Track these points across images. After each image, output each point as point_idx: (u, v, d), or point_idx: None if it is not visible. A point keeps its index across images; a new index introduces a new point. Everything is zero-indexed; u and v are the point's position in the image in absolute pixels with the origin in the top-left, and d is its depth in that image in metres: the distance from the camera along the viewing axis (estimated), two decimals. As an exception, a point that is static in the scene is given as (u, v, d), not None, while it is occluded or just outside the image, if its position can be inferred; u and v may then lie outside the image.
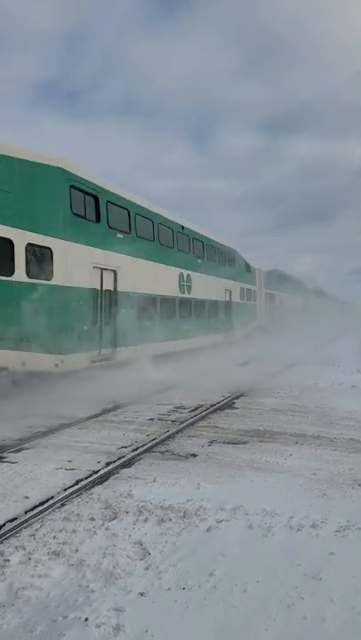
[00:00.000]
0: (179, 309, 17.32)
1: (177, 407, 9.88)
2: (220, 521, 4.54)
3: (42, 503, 4.95)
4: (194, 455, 6.67)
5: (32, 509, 4.81)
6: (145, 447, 6.91)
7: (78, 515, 4.64)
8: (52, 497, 5.11)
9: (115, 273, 13.18)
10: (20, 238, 9.84)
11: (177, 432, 7.82)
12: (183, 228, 18.10)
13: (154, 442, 7.18)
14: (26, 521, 4.54)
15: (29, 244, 10.04)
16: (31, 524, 4.47)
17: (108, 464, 6.19)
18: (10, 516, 4.66)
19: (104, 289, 12.86)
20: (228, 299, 23.06)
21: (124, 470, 6.00)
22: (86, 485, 5.44)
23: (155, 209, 15.98)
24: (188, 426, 8.27)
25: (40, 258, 10.37)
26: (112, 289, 13.22)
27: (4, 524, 4.49)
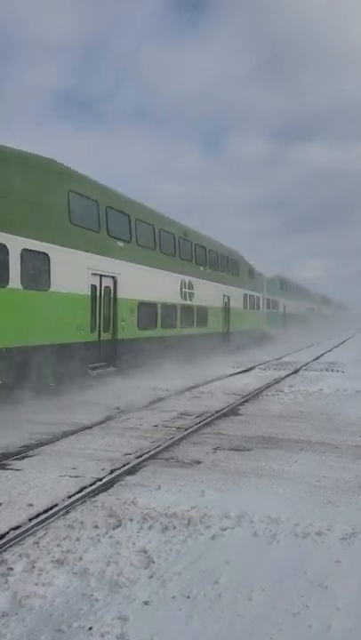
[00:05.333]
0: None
1: (181, 414, 9.86)
2: (225, 528, 4.52)
3: (46, 511, 4.94)
4: (198, 462, 6.65)
5: (36, 517, 4.79)
6: (149, 454, 6.88)
7: (82, 522, 4.62)
8: (56, 504, 5.09)
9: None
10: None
11: (181, 439, 7.80)
12: (323, 296, 61.13)
13: (158, 449, 7.15)
14: (30, 529, 4.52)
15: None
16: (35, 532, 4.46)
17: (112, 471, 6.17)
18: (14, 524, 4.64)
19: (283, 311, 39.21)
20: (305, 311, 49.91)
21: (128, 477, 5.98)
22: (90, 493, 5.42)
23: (318, 292, 56.48)
24: (193, 432, 8.25)
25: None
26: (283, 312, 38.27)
27: (8, 532, 4.47)
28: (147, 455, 6.83)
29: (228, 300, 22.70)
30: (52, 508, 5.01)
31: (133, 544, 4.22)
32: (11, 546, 4.19)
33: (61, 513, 4.88)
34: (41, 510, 4.95)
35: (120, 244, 13.57)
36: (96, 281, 12.54)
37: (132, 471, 6.20)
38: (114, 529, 4.52)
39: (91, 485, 5.65)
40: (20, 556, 4.01)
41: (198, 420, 9.22)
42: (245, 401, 11.34)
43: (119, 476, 6.00)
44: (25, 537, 4.36)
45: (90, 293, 12.23)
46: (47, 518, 4.74)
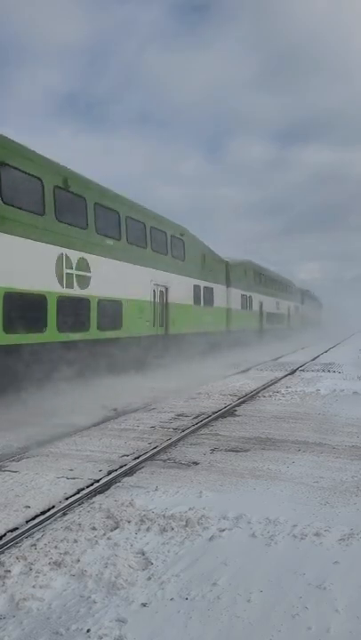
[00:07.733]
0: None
1: (178, 415, 9.85)
2: (223, 530, 4.50)
3: (43, 512, 4.92)
4: (196, 463, 6.64)
5: (33, 519, 4.77)
6: (147, 455, 6.87)
7: (80, 524, 4.60)
8: (54, 506, 5.07)
9: None
10: None
11: (179, 440, 7.79)
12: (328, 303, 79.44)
13: (156, 450, 7.14)
14: (27, 531, 4.50)
15: None
16: (32, 534, 4.43)
17: (109, 473, 6.15)
18: (11, 526, 4.62)
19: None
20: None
21: (125, 479, 5.96)
22: (88, 494, 5.40)
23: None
24: (190, 433, 8.23)
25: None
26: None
27: (5, 534, 4.45)
28: (144, 456, 6.82)
29: (289, 308, 42.15)
30: (49, 509, 4.99)
31: (131, 546, 4.21)
32: (8, 548, 4.17)
33: (59, 515, 4.86)
34: (38, 512, 4.93)
35: (262, 287, 32.02)
36: (259, 304, 31.30)
37: (129, 473, 6.18)
38: (111, 530, 4.50)
39: (88, 487, 5.63)
40: (17, 558, 3.98)
41: (195, 421, 9.21)
42: (242, 402, 11.34)
43: (116, 477, 5.98)
44: (22, 539, 4.34)
45: (259, 310, 31.40)
46: (44, 520, 4.72)
